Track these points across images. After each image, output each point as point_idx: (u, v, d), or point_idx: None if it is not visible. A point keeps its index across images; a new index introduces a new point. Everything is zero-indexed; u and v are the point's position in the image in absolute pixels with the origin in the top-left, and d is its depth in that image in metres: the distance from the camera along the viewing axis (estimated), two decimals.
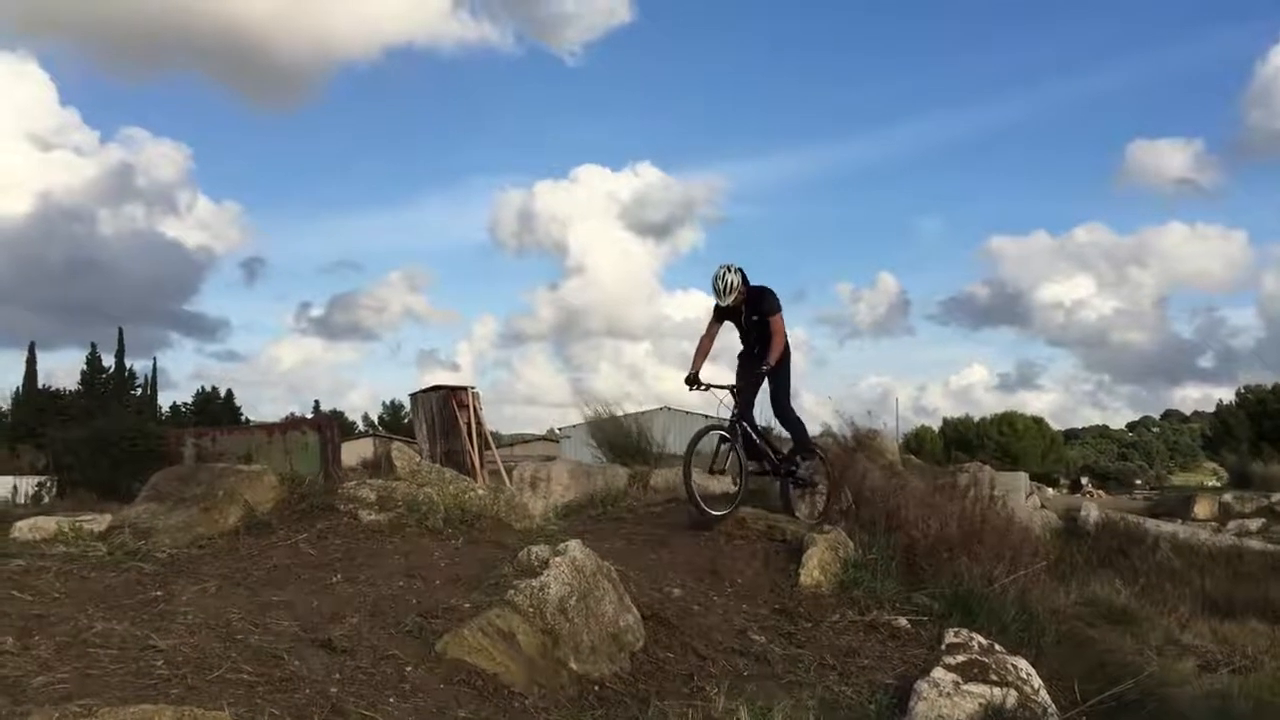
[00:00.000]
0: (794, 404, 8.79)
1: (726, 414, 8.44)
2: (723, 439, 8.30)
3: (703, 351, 8.72)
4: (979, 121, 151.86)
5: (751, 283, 8.61)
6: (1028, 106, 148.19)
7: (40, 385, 61.47)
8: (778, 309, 8.56)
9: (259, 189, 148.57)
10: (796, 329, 8.83)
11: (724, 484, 8.94)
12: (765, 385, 8.64)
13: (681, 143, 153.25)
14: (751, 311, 8.64)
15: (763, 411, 8.83)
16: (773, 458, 8.76)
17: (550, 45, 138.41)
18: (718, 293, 8.49)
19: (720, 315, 8.73)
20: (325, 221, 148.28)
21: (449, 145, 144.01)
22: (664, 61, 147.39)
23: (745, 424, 8.51)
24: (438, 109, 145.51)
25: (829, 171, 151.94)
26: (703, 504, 8.02)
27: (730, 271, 8.49)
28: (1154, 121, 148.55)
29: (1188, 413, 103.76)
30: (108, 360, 63.35)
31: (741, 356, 8.87)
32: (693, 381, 8.48)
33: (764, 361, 8.35)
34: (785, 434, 9.09)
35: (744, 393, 8.52)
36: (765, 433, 8.85)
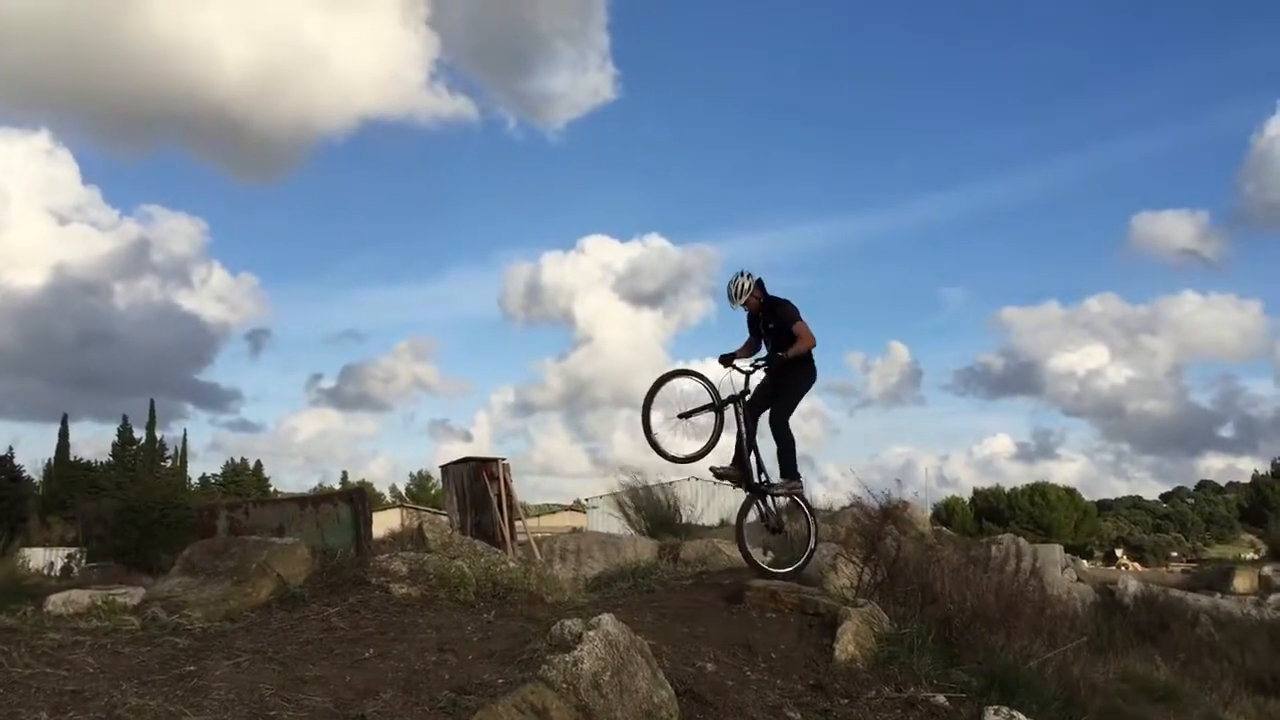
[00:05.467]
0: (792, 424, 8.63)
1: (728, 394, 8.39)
2: (710, 407, 8.27)
3: (746, 346, 8.73)
4: (981, 196, 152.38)
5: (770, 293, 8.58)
6: (1032, 181, 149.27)
7: (72, 458, 61.98)
8: (797, 316, 8.44)
9: (260, 261, 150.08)
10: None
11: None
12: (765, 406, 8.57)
13: (684, 215, 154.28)
14: (768, 319, 8.56)
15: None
16: (753, 473, 8.51)
17: (533, 121, 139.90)
18: (729, 296, 8.50)
19: (751, 326, 8.71)
20: (325, 292, 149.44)
21: (435, 216, 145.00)
22: (653, 137, 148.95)
23: (747, 431, 8.42)
24: (421, 181, 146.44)
25: (833, 242, 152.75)
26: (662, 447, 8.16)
27: (744, 276, 8.49)
28: (1158, 194, 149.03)
29: (1223, 483, 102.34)
30: (138, 432, 64.04)
31: (762, 384, 8.64)
32: (726, 360, 8.52)
33: (779, 352, 8.29)
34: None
35: (755, 400, 8.46)
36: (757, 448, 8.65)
